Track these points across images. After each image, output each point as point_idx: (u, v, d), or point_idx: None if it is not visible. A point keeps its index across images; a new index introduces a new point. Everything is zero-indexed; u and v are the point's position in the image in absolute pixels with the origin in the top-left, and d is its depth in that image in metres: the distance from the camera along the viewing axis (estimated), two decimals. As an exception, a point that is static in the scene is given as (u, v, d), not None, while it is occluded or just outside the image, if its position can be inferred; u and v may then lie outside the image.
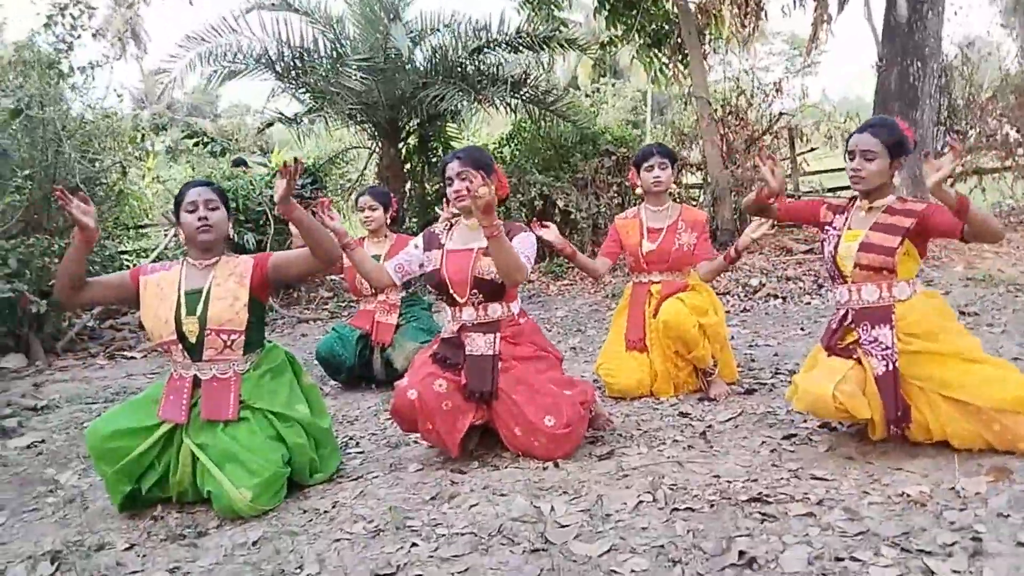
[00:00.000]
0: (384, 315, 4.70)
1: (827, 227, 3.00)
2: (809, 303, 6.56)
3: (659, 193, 3.96)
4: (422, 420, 2.99)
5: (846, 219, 2.96)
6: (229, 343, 2.85)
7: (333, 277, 8.62)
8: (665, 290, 3.89)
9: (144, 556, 2.48)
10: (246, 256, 2.96)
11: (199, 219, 2.85)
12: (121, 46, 9.28)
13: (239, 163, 9.74)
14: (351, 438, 3.63)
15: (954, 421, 2.67)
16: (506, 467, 2.99)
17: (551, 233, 3.67)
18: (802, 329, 5.51)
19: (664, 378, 3.87)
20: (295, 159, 2.83)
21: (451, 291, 3.12)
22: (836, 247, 2.91)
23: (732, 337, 4.79)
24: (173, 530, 2.65)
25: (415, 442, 3.43)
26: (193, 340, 2.82)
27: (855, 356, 2.81)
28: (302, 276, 2.97)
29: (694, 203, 9.75)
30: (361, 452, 3.41)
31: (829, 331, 2.94)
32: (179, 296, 2.85)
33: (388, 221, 4.82)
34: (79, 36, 7.23)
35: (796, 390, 2.86)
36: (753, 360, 4.57)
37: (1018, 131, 9.53)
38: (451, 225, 3.26)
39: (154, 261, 8.20)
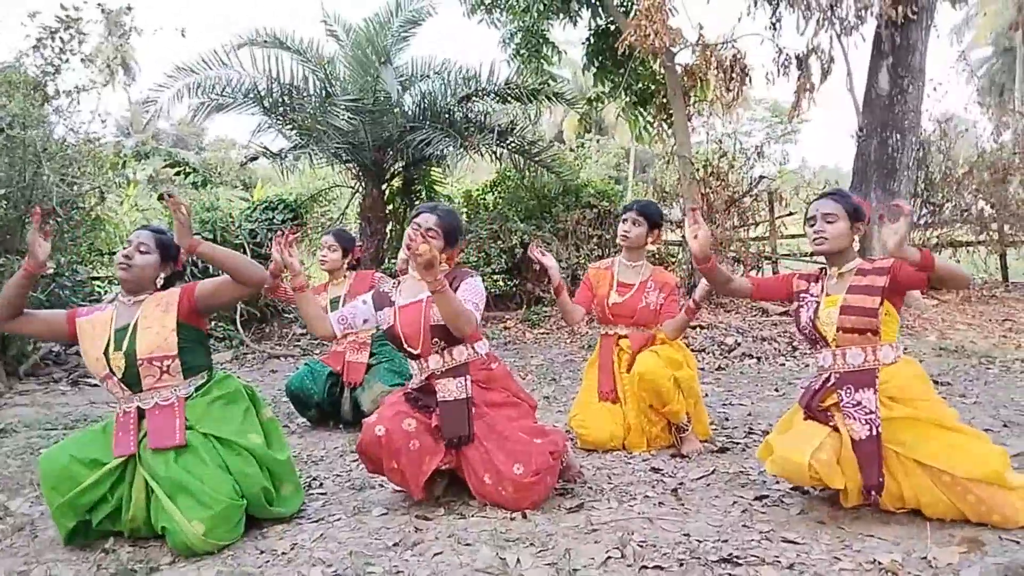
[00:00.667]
0: (354, 354, 4.64)
1: (802, 295, 3.00)
2: (783, 364, 6.57)
3: (629, 248, 3.96)
4: (388, 458, 2.92)
5: (822, 287, 2.96)
6: (165, 368, 2.80)
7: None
8: (634, 343, 3.88)
9: (90, 592, 2.38)
10: (174, 288, 2.95)
11: (122, 256, 2.89)
12: (110, 73, 9.25)
13: (164, 195, 9.70)
14: (315, 478, 3.54)
15: (928, 490, 2.64)
16: (472, 516, 2.92)
17: (550, 260, 3.73)
18: (776, 390, 5.49)
19: (637, 432, 3.83)
20: (167, 194, 2.86)
21: (407, 345, 3.09)
22: (816, 313, 2.90)
23: (706, 395, 4.76)
24: (124, 564, 2.54)
25: (380, 485, 3.36)
26: (121, 374, 2.79)
27: (832, 423, 2.79)
28: (233, 301, 3.02)
29: (673, 260, 9.80)
30: (324, 493, 3.32)
31: (810, 392, 2.92)
32: (110, 334, 2.84)
33: (345, 265, 4.82)
34: (67, 60, 7.21)
35: (769, 451, 2.82)
36: (727, 419, 4.54)
37: (992, 207, 9.73)
38: (399, 282, 3.25)
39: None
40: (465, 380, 3.05)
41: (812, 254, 11.00)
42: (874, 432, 2.69)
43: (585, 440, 3.87)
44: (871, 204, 2.91)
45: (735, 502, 3.00)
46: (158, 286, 2.97)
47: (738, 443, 3.96)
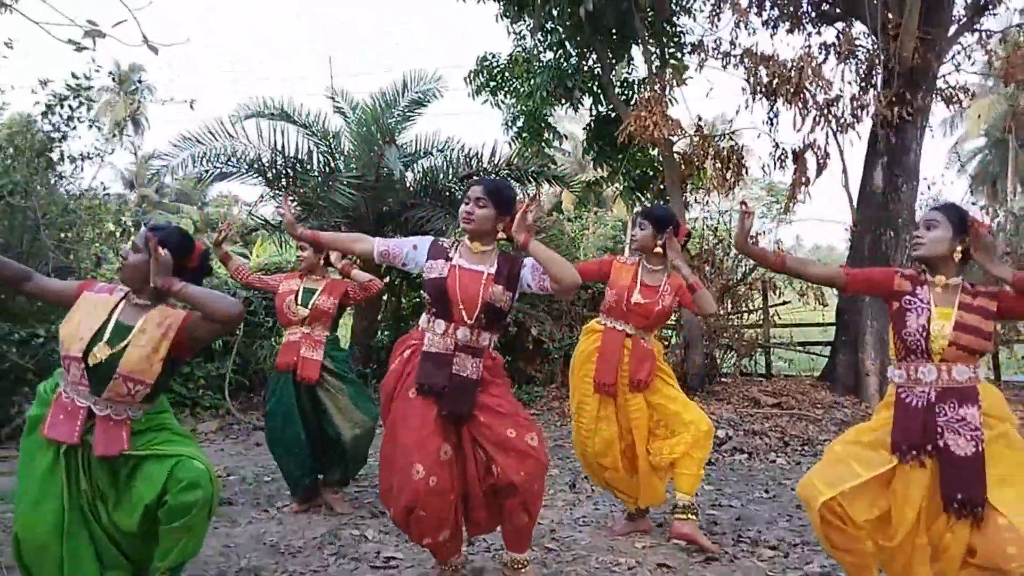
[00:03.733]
0: (309, 351, 4.58)
1: (907, 297, 2.87)
2: (774, 461, 6.49)
3: (643, 251, 4.06)
4: (441, 498, 3.01)
5: (928, 295, 2.85)
6: (133, 391, 2.69)
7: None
8: (634, 356, 3.98)
9: None
10: (181, 310, 2.85)
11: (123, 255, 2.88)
12: (119, 130, 9.40)
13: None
14: (290, 574, 3.46)
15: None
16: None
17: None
18: (766, 491, 5.41)
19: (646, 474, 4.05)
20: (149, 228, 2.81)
21: (459, 307, 3.10)
22: (928, 323, 2.79)
23: (696, 494, 4.68)
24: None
25: (359, 587, 3.29)
26: (92, 364, 2.67)
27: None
28: (211, 337, 2.90)
29: (666, 344, 9.78)
30: (300, 593, 3.24)
31: (914, 414, 2.78)
32: (108, 321, 2.73)
33: (321, 262, 4.81)
34: (75, 127, 7.32)
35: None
36: (715, 524, 4.46)
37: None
38: (456, 243, 3.25)
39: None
40: (479, 363, 3.12)
41: (806, 344, 11.04)
42: (980, 448, 2.64)
43: (588, 450, 4.08)
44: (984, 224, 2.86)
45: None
46: (153, 283, 2.80)
47: (727, 552, 3.89)
